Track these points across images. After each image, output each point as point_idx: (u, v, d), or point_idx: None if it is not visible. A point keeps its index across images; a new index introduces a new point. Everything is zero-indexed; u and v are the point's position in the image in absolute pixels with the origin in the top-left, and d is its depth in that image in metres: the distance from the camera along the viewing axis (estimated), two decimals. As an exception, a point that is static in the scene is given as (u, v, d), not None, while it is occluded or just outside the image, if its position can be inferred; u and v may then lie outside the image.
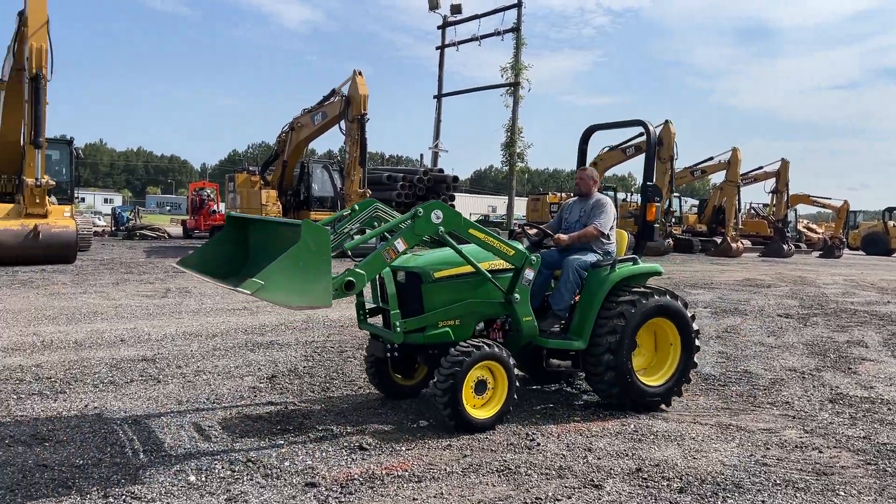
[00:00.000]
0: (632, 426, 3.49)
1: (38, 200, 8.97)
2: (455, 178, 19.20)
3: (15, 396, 3.60)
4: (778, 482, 2.64)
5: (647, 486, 2.54)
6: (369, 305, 3.63)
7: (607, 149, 18.46)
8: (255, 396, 3.90)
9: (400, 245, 3.07)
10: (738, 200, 20.89)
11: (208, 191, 22.95)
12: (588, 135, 4.63)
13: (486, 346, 3.17)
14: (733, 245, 20.34)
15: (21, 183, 9.06)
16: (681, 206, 23.26)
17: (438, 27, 23.43)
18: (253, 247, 3.55)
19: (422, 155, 26.08)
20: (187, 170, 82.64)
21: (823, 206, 27.29)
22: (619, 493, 2.45)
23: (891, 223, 26.69)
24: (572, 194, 4.18)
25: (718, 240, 20.83)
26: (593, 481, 2.57)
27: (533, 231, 4.09)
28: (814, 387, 4.69)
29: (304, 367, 4.71)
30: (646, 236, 4.16)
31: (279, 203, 14.76)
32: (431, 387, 3.35)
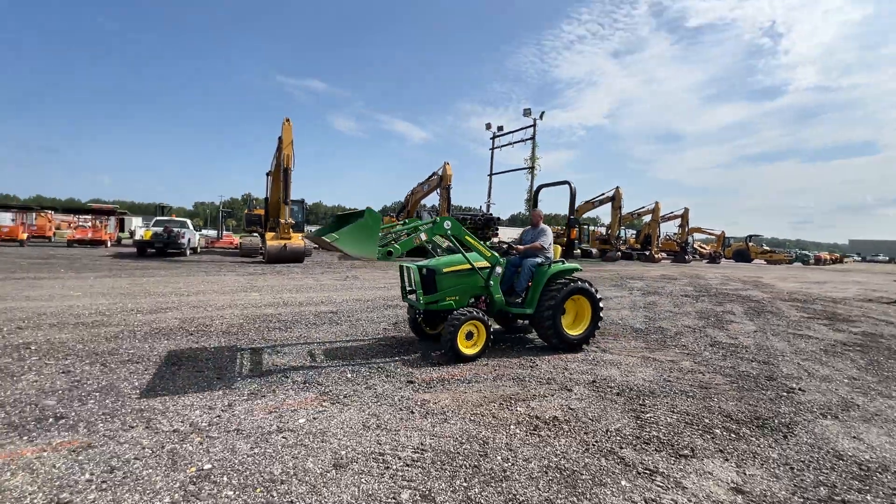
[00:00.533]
0: (591, 357, 5.70)
1: (286, 231, 17.90)
2: (498, 219, 29.63)
3: (266, 329, 6.50)
4: (677, 392, 4.59)
5: (599, 391, 4.52)
6: (408, 289, 5.84)
7: (584, 202, 30.84)
8: (385, 333, 6.64)
9: (423, 235, 5.12)
10: (658, 230, 33.75)
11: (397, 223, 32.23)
12: (538, 191, 8.02)
13: (472, 312, 5.15)
14: (656, 256, 32.58)
15: (278, 222, 18.24)
16: (625, 234, 37.04)
17: (490, 138, 40.54)
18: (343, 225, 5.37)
19: (480, 206, 40.43)
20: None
21: (709, 233, 42.66)
22: (581, 394, 4.44)
23: (750, 243, 46.08)
24: (528, 224, 6.50)
25: (647, 253, 33.11)
26: (566, 386, 4.58)
27: (507, 246, 6.31)
28: (701, 337, 7.28)
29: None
30: (570, 248, 7.27)
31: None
32: (443, 334, 5.18)
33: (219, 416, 3.46)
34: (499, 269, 5.56)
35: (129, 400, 3.71)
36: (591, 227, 38.73)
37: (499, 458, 3.04)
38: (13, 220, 25.25)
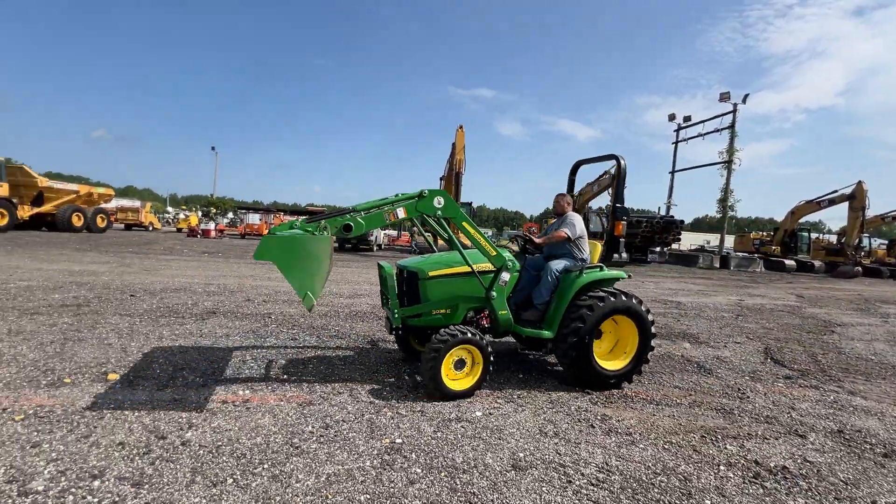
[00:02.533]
0: (830, 397, 4.36)
1: (457, 233, 20.44)
2: (681, 221, 25.94)
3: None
4: None
5: (850, 446, 3.36)
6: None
7: (805, 202, 25.44)
8: None
9: (400, 212, 3.56)
10: None
11: (533, 228, 34.72)
12: (575, 168, 5.35)
13: (465, 333, 3.65)
14: None
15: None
16: (870, 244, 30.05)
17: (674, 131, 35.68)
18: None
19: (659, 207, 37.05)
20: (519, 217, 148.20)
21: None
22: (822, 445, 3.36)
23: None
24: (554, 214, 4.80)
25: None
26: (796, 431, 3.58)
27: (524, 241, 4.72)
28: None
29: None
30: (613, 248, 4.64)
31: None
32: (423, 358, 3.68)
33: (405, 395, 3.76)
34: (506, 276, 3.99)
35: (336, 369, 4.34)
36: (813, 234, 30.75)
37: (708, 502, 2.51)
38: (260, 219, 33.35)
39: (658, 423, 3.54)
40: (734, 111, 28.96)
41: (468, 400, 3.75)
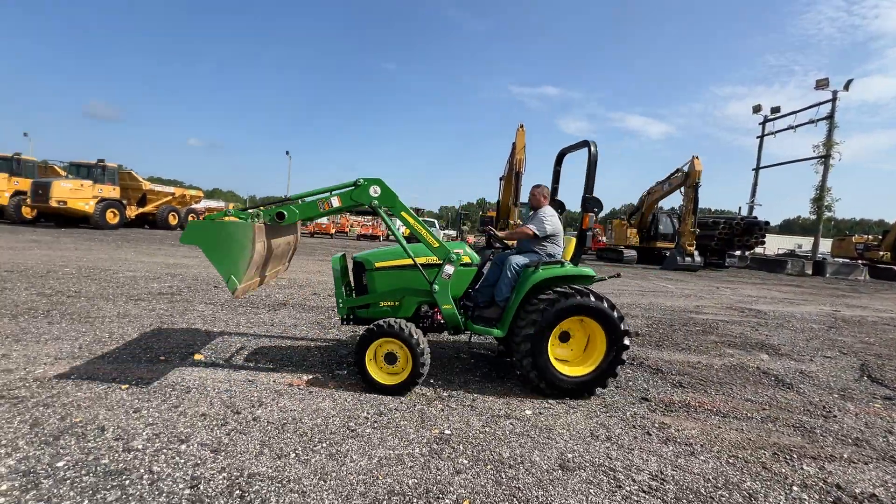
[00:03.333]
0: None
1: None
2: (766, 223, 23.43)
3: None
4: None
5: None
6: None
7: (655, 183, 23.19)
8: None
9: (335, 201, 3.56)
10: None
11: (597, 229, 34.44)
12: (560, 158, 4.72)
13: (395, 326, 3.55)
14: None
15: (507, 223, 18.86)
16: None
17: (759, 123, 32.78)
18: None
19: (740, 207, 34.30)
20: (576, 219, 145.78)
21: None
22: None
23: None
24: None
25: None
26: (892, 457, 3.18)
27: (489, 235, 4.52)
28: None
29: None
30: (581, 242, 4.12)
31: (637, 237, 24.23)
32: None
33: (457, 391, 3.84)
34: (449, 269, 3.76)
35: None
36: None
37: (775, 522, 2.33)
38: (328, 218, 35.28)
39: (723, 435, 3.31)
40: (833, 99, 25.78)
41: (518, 398, 3.75)
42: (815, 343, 6.68)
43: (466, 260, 3.99)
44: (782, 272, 23.25)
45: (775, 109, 30.11)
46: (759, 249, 27.28)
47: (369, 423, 3.11)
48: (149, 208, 24.63)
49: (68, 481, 2.25)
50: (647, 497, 2.46)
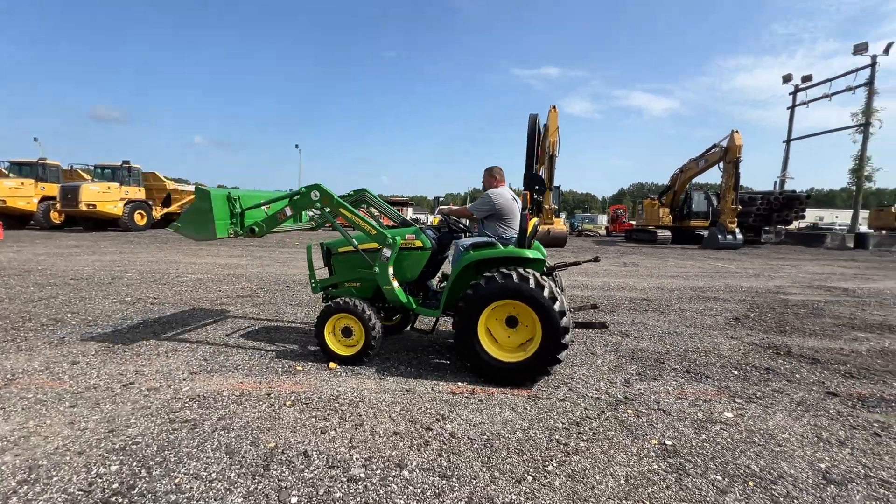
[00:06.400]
0: None
1: (549, 216, 18.37)
2: (807, 196, 23.27)
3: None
4: None
5: None
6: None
7: (689, 160, 22.44)
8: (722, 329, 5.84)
9: (288, 210, 4.05)
10: None
11: (621, 210, 33.11)
12: (532, 134, 4.34)
13: (348, 303, 3.95)
14: None
15: (542, 207, 18.43)
16: None
17: (790, 94, 31.55)
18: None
19: (775, 182, 32.65)
20: (591, 199, 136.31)
21: None
22: None
23: None
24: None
25: None
26: None
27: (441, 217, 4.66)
28: None
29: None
30: (521, 222, 4.00)
31: (670, 216, 23.50)
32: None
33: (625, 391, 3.55)
34: (387, 251, 3.98)
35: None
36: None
37: None
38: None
39: (958, 433, 2.98)
40: (872, 65, 24.77)
41: (707, 399, 3.44)
42: (936, 321, 6.30)
43: (418, 244, 4.11)
44: (821, 246, 22.68)
45: (806, 78, 29.15)
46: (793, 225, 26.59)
47: (575, 435, 2.82)
48: (173, 208, 24.41)
49: (318, 522, 1.98)
50: (953, 514, 2.15)
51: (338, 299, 4.04)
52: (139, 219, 21.23)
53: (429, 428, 2.85)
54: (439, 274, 4.82)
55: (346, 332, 4.03)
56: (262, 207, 4.32)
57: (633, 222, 30.50)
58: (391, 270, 4.01)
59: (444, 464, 2.46)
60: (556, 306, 3.44)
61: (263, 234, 4.15)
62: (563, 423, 2.97)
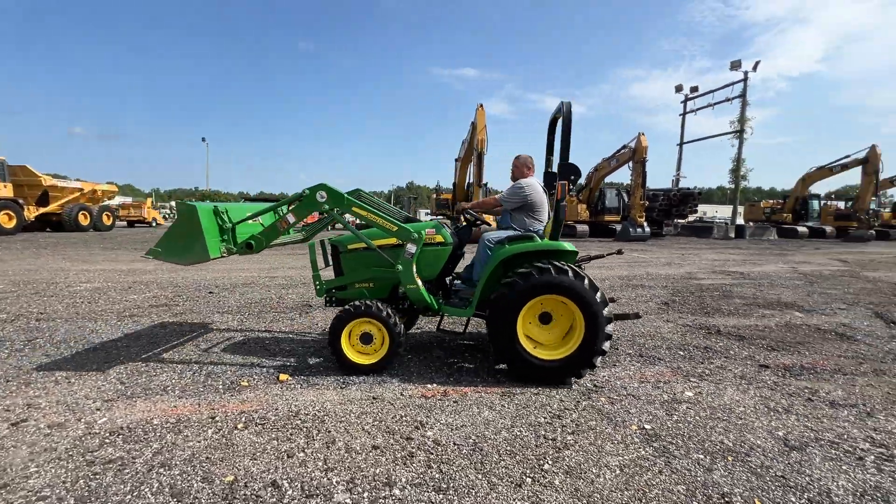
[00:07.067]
0: None
1: (481, 215, 19.62)
2: (699, 193, 25.75)
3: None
4: None
5: None
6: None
7: (816, 168, 26.04)
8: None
9: (290, 217, 3.62)
10: None
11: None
12: (552, 126, 4.29)
13: (371, 307, 3.54)
14: None
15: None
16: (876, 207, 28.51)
17: (681, 102, 35.78)
18: None
19: (672, 180, 36.37)
20: None
21: None
22: None
23: None
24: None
25: None
26: None
27: (462, 211, 4.31)
28: None
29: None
30: (556, 215, 3.79)
31: (587, 212, 24.93)
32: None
33: (593, 379, 3.60)
34: (412, 248, 3.64)
35: (470, 360, 4.16)
36: (823, 201, 31.04)
37: None
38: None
39: (869, 393, 3.44)
40: (745, 80, 28.87)
41: (666, 381, 3.60)
42: (817, 297, 7.37)
43: (439, 239, 3.82)
44: (710, 237, 25.86)
45: (694, 88, 33.05)
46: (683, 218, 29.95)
47: (560, 429, 2.76)
48: (52, 207, 20.96)
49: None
50: (892, 462, 2.43)
51: (356, 302, 3.62)
52: (6, 220, 17.87)
53: (409, 438, 2.62)
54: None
55: (366, 338, 3.62)
56: (256, 219, 3.91)
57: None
58: (415, 268, 3.69)
59: (437, 476, 2.25)
60: (598, 297, 3.36)
61: (262, 249, 3.69)
62: (544, 418, 2.91)
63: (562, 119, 3.64)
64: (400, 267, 3.68)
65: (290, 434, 2.63)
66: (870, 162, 23.81)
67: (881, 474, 2.35)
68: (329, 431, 2.67)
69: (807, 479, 2.29)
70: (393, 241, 3.76)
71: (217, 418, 2.81)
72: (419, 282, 3.70)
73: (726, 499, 2.11)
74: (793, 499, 2.13)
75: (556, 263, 3.39)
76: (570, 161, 3.61)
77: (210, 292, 6.99)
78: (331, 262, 4.19)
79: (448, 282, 4.23)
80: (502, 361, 3.53)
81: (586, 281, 3.35)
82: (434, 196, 28.22)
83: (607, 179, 25.34)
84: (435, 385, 3.43)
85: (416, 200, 40.99)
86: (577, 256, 3.75)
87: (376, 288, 3.96)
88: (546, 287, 3.35)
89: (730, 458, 2.46)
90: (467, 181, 21.83)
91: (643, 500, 2.09)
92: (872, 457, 2.51)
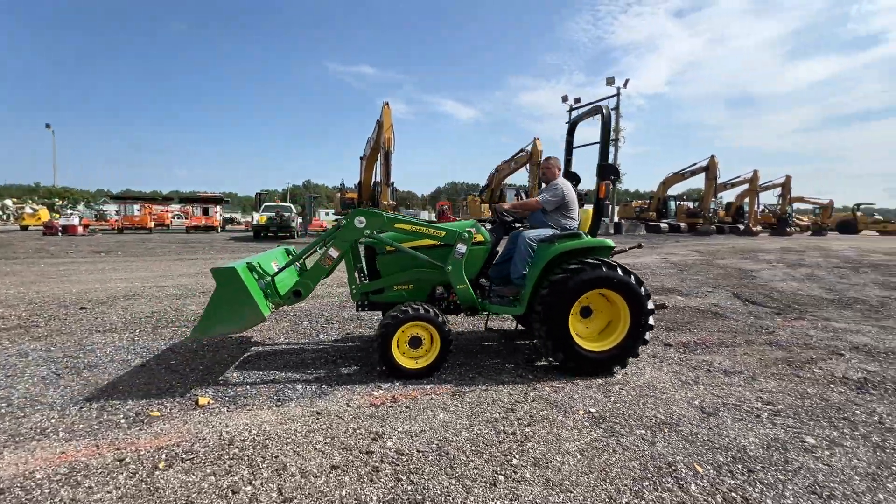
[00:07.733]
0: (819, 325, 5.45)
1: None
2: (586, 193, 26.60)
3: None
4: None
5: (873, 355, 4.37)
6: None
7: (672, 174, 29.79)
8: None
9: (333, 252, 3.60)
10: (757, 201, 30.34)
11: (446, 207, 33.68)
12: (572, 128, 4.82)
13: (419, 309, 3.45)
14: (754, 229, 28.90)
15: (378, 205, 17.97)
16: (714, 207, 32.59)
17: (567, 111, 38.35)
18: None
19: None
20: (412, 196, 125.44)
21: (815, 203, 37.23)
22: (858, 359, 4.32)
23: (858, 213, 36.91)
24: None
25: (741, 226, 29.75)
26: (834, 351, 4.47)
27: (500, 213, 4.33)
28: None
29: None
30: (598, 213, 4.07)
31: (490, 211, 22.70)
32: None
33: (533, 370, 3.75)
34: (462, 247, 3.69)
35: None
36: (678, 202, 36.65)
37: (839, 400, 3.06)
38: (139, 210, 28.27)
39: (748, 360, 4.11)
40: (618, 94, 32.87)
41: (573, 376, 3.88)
42: (688, 283, 8.65)
43: (479, 238, 3.87)
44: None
45: (577, 100, 36.66)
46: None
47: (517, 422, 2.81)
48: None
49: None
50: (783, 416, 2.92)
51: (404, 306, 3.49)
52: None
53: (369, 451, 2.44)
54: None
55: (415, 342, 3.53)
56: (293, 266, 3.92)
57: (458, 218, 33.53)
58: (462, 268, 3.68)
59: (409, 488, 2.13)
60: (643, 291, 3.63)
61: (310, 293, 3.66)
62: (499, 413, 2.94)
63: (602, 122, 3.88)
64: (450, 267, 3.69)
65: (229, 466, 2.28)
66: (710, 169, 28.78)
67: (776, 427, 2.81)
68: (276, 457, 2.37)
69: (726, 440, 2.65)
70: (428, 242, 3.76)
71: (127, 460, 2.32)
72: (467, 282, 3.71)
73: (673, 467, 2.35)
74: (721, 459, 2.45)
75: (603, 259, 3.62)
76: (571, 166, 3.90)
77: (82, 308, 5.81)
78: (366, 266, 4.02)
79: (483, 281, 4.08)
80: (555, 357, 3.61)
81: (633, 276, 3.65)
82: (339, 195, 27.16)
83: (507, 181, 26.86)
84: (381, 391, 3.27)
85: (317, 200, 39.02)
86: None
87: (415, 290, 3.92)
88: (598, 282, 3.55)
89: (665, 430, 2.74)
90: (373, 179, 21.43)
91: (608, 479, 2.23)
92: (766, 413, 3.00)
